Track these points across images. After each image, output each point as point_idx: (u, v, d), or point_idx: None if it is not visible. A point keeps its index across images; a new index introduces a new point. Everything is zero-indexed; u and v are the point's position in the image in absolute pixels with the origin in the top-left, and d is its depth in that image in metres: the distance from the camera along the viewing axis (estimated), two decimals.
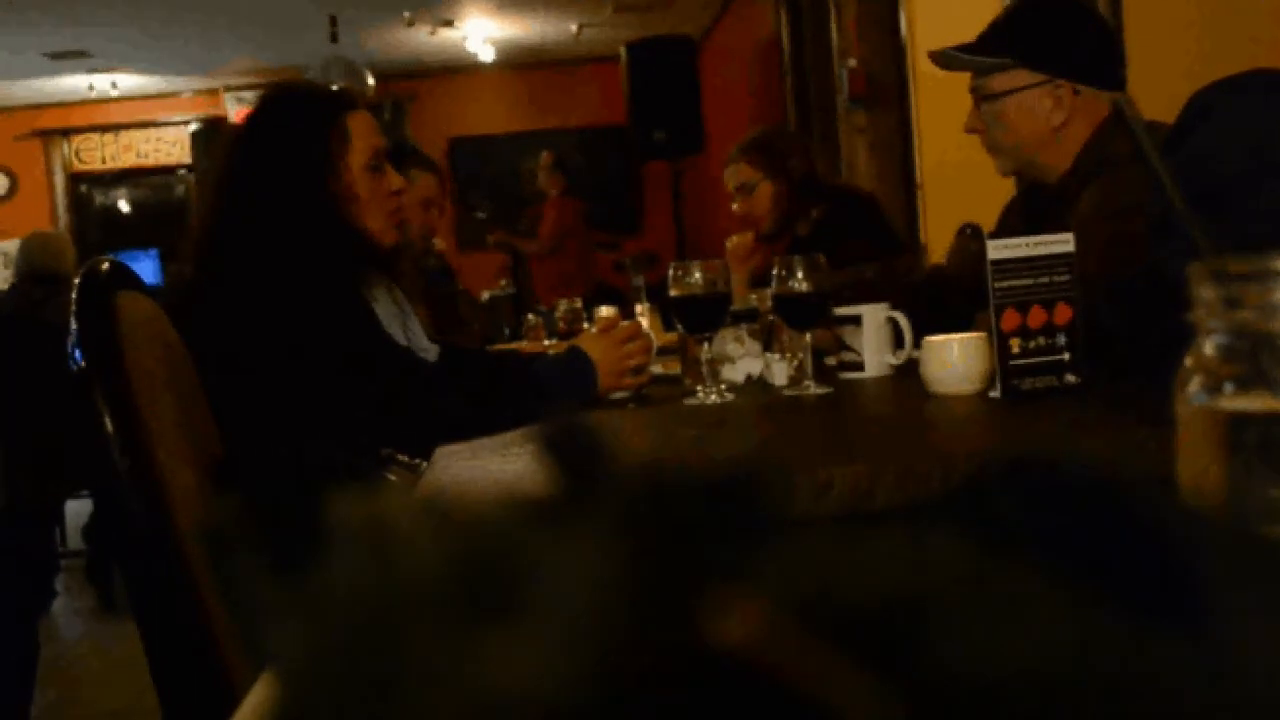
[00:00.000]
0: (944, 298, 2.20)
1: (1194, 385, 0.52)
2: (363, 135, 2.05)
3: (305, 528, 0.24)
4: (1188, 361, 0.52)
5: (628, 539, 0.21)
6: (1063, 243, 1.51)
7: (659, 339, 2.57)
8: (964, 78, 2.10)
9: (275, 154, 1.99)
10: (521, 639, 0.20)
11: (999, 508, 0.24)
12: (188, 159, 10.63)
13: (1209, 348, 0.51)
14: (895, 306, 1.99)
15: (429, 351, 2.12)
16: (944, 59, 2.08)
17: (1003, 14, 2.08)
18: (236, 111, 10.08)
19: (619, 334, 2.03)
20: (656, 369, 2.26)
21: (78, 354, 1.54)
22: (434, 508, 0.22)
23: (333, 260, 1.96)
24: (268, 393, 1.88)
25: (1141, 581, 0.23)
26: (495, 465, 1.43)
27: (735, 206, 3.37)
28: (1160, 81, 2.49)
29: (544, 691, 0.19)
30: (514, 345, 3.98)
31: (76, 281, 1.61)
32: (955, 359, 1.63)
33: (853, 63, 5.49)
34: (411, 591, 0.21)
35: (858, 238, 2.85)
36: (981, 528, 0.23)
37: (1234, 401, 0.51)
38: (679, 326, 2.00)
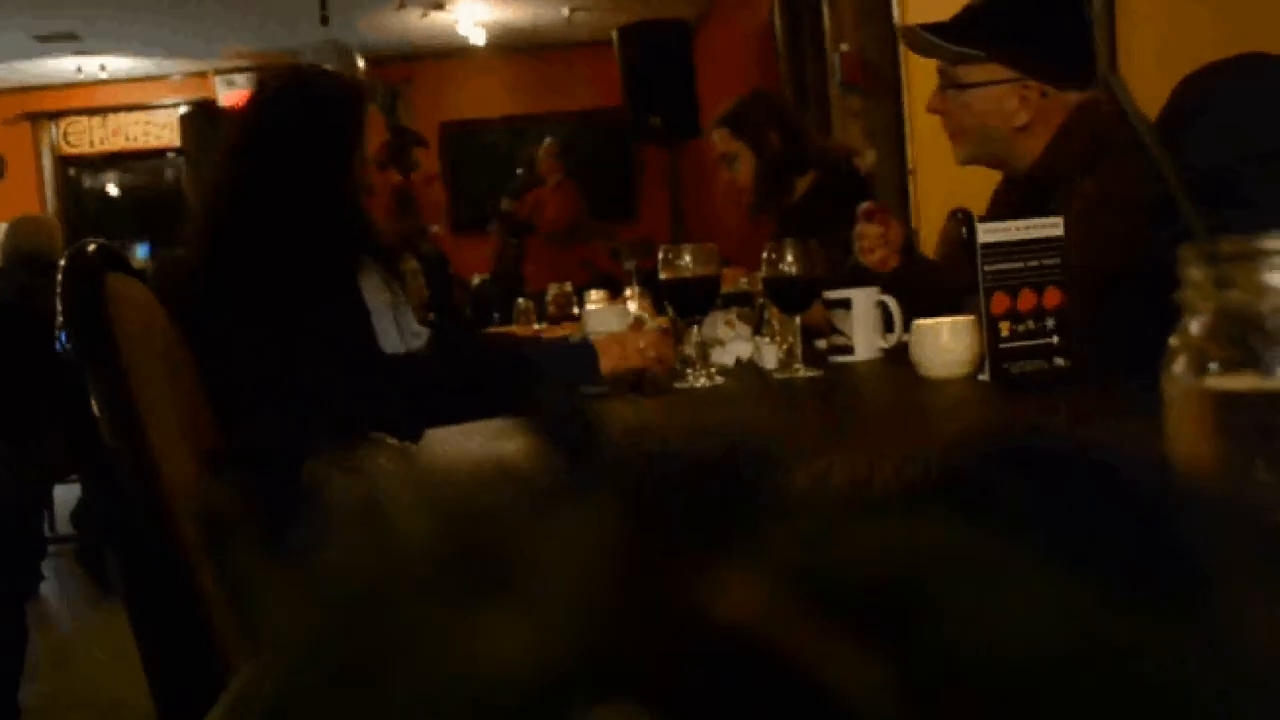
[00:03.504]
0: (927, 288, 2.17)
1: (1181, 365, 0.52)
2: (374, 128, 2.08)
3: (298, 509, 0.23)
4: (1174, 341, 0.52)
5: (622, 515, 0.21)
6: (1052, 226, 1.51)
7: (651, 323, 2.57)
8: None
9: (301, 137, 1.99)
10: (515, 617, 0.20)
11: (994, 486, 0.24)
12: (177, 142, 10.59)
13: (1196, 328, 0.51)
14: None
15: (420, 335, 2.12)
16: (915, 40, 2.02)
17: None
18: (226, 95, 10.03)
19: (635, 333, 2.02)
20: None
21: (64, 335, 1.53)
22: (427, 487, 0.22)
23: (341, 249, 1.97)
24: (262, 378, 1.88)
25: (1137, 559, 0.22)
26: (488, 447, 1.43)
27: (722, 175, 3.37)
28: (1149, 68, 2.48)
29: (537, 668, 0.19)
30: (505, 329, 3.97)
31: (62, 264, 1.60)
32: (945, 342, 1.63)
33: (845, 47, 5.48)
34: (404, 570, 0.21)
35: (844, 215, 2.81)
36: (977, 506, 0.23)
37: (1222, 381, 0.51)
38: (670, 310, 2.00)
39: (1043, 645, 0.20)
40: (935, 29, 1.99)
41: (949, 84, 2.00)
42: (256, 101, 2.07)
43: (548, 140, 7.52)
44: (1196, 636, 0.21)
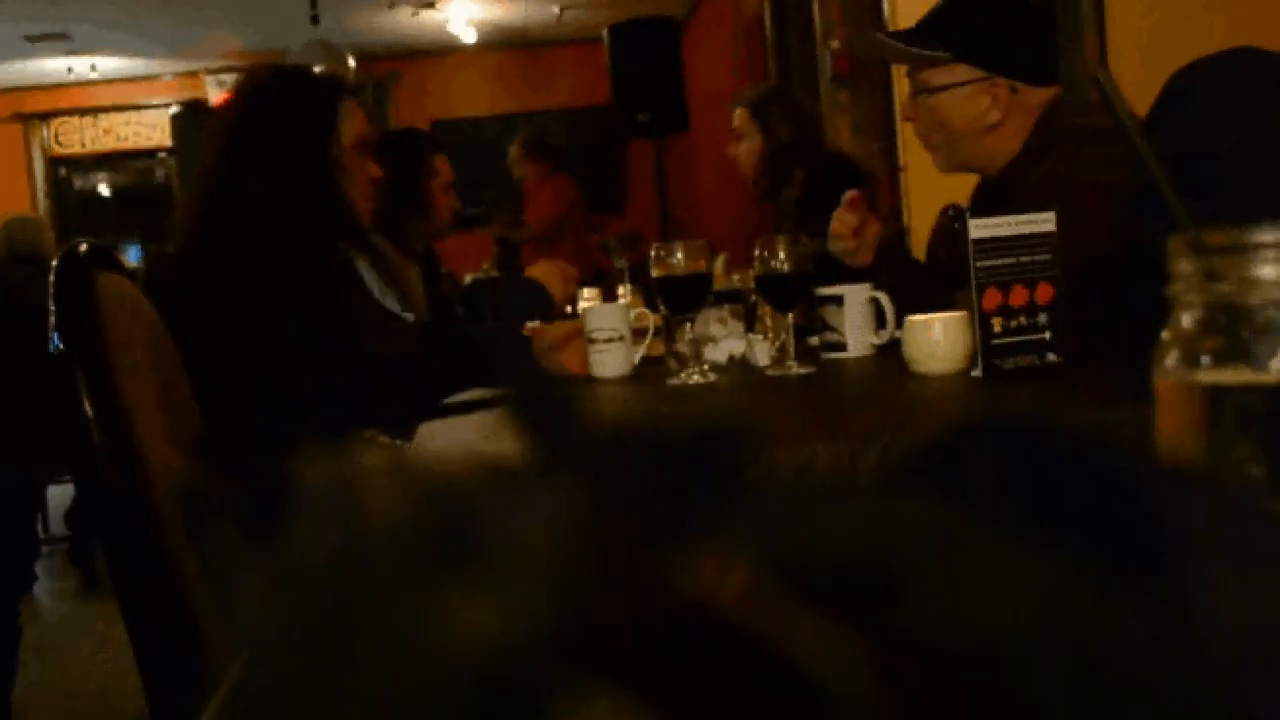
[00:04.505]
0: (908, 267, 2.18)
1: (1172, 358, 0.52)
2: (354, 120, 2.13)
3: (277, 494, 0.23)
4: (1165, 335, 0.52)
5: (596, 493, 0.21)
6: (1044, 222, 1.51)
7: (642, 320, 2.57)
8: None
9: (276, 129, 2.04)
10: (489, 595, 0.20)
11: (972, 469, 0.24)
12: (168, 142, 10.56)
13: (1187, 321, 0.52)
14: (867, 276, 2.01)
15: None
16: (873, 45, 2.03)
17: (943, 1, 2.03)
18: (217, 94, 10.00)
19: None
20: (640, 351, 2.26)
21: (57, 335, 1.53)
22: (401, 468, 0.22)
23: (323, 232, 2.01)
24: (253, 374, 1.88)
25: (1114, 541, 0.23)
26: (477, 442, 1.43)
27: (730, 148, 3.56)
28: (1138, 65, 2.49)
29: (511, 646, 0.19)
30: None
31: (54, 263, 1.60)
32: (937, 338, 1.63)
33: (835, 44, 5.48)
34: (377, 550, 0.21)
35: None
36: (954, 489, 0.23)
37: (1212, 374, 0.51)
38: (662, 307, 2.00)
39: (1015, 624, 0.20)
40: (900, 35, 2.00)
41: (918, 89, 2.01)
42: (233, 99, 2.13)
43: (511, 147, 7.45)
44: (1171, 616, 0.21)
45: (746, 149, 3.44)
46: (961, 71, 1.96)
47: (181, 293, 1.93)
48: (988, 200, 2.02)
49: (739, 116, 3.48)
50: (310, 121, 2.06)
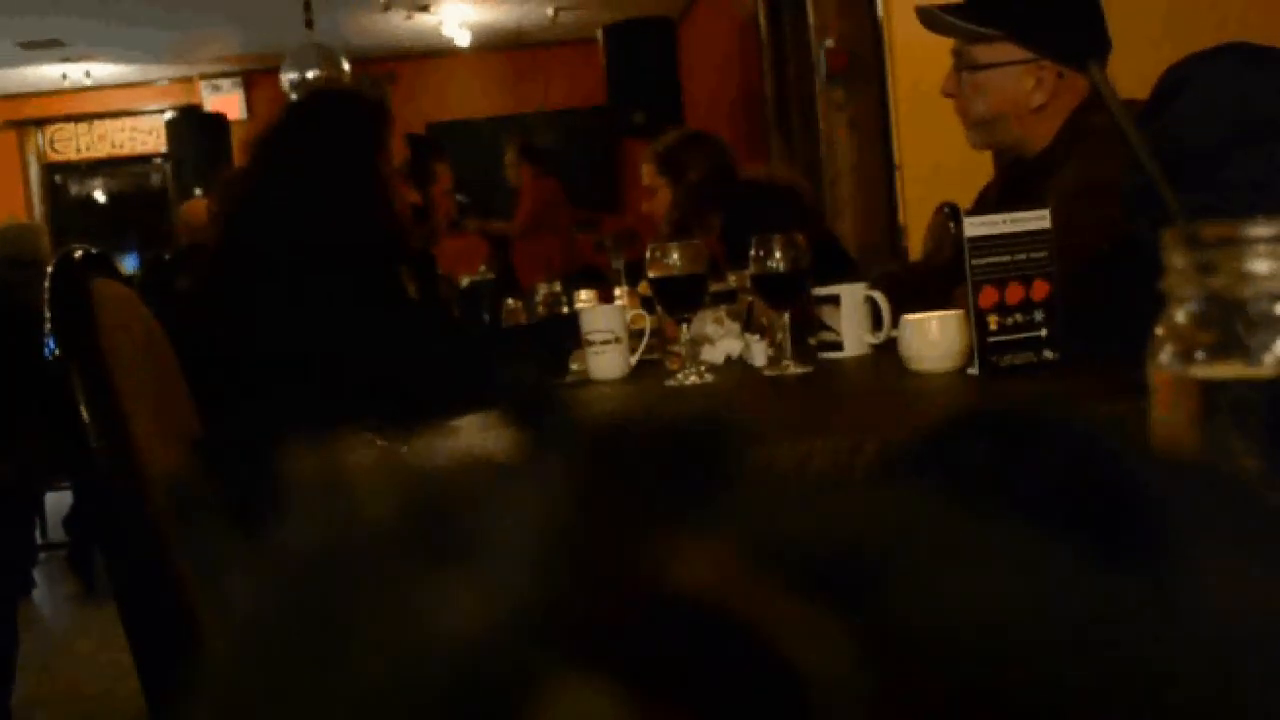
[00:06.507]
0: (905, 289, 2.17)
1: (1166, 353, 0.52)
2: (402, 146, 2.23)
3: (263, 481, 0.24)
4: (1159, 329, 0.52)
5: (587, 482, 0.21)
6: (1039, 219, 1.51)
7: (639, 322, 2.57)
8: (943, 53, 2.07)
9: (322, 144, 2.10)
10: (478, 585, 0.20)
11: (967, 458, 0.24)
12: (163, 148, 10.55)
13: (1181, 315, 0.51)
14: None
15: None
16: (930, 18, 2.00)
17: None
18: (211, 100, 10.01)
19: None
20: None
21: (53, 340, 1.53)
22: (391, 462, 0.22)
23: (368, 242, 2.05)
24: (260, 375, 1.90)
25: (1110, 533, 0.23)
26: (468, 436, 1.43)
27: (644, 205, 3.60)
28: (1135, 57, 2.48)
29: (499, 637, 0.19)
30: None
31: (50, 268, 1.60)
32: (934, 336, 1.63)
33: (830, 42, 5.48)
34: (365, 541, 0.21)
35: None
36: (950, 480, 0.23)
37: (1206, 369, 0.51)
38: (658, 307, 2.00)
39: (1006, 612, 0.20)
40: (951, 9, 1.97)
41: (965, 65, 1.99)
42: (284, 115, 2.22)
43: (507, 150, 7.67)
44: (1167, 606, 0.21)
45: (660, 201, 3.48)
46: (1011, 50, 1.94)
47: (194, 295, 1.97)
48: (1013, 192, 2.00)
49: (646, 173, 3.52)
50: (363, 139, 2.12)
